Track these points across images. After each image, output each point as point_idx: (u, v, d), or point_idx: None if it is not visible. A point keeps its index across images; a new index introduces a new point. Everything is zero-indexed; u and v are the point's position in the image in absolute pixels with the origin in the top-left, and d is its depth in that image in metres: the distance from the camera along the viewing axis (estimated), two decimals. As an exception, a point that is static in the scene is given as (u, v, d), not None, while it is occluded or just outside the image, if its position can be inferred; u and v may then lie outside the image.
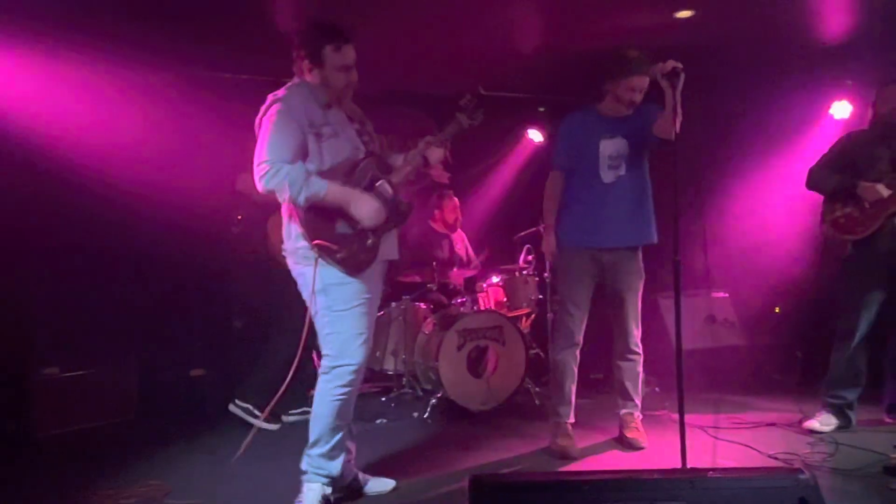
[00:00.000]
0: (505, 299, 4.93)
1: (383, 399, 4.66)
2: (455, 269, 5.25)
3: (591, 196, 3.53)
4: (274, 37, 4.27)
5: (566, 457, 3.42)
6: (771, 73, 5.15)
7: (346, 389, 2.74)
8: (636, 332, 3.63)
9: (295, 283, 2.83)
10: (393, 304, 4.86)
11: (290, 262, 2.82)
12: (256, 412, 3.97)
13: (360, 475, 3.01)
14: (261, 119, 2.72)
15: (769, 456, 3.29)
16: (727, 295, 5.27)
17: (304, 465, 2.80)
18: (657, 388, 4.72)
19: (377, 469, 3.19)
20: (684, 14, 4.43)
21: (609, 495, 1.90)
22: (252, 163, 2.67)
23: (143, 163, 4.57)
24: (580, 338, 3.60)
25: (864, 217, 3.60)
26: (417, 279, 5.01)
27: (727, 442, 3.55)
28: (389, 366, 4.85)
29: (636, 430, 3.59)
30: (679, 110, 3.04)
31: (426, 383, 4.63)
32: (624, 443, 3.60)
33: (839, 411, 3.72)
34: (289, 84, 2.77)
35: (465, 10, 4.30)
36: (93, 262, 4.63)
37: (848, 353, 3.68)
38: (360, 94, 2.91)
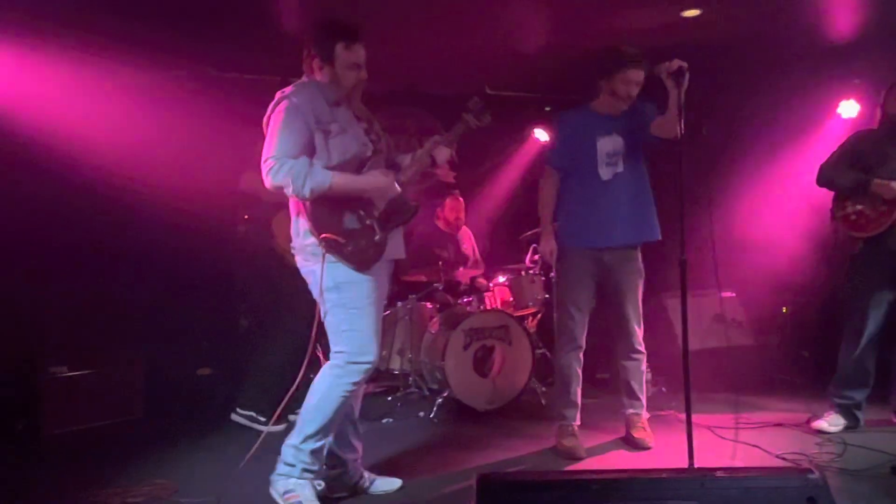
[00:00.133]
0: (511, 299, 4.93)
1: (389, 398, 4.66)
2: (461, 269, 5.25)
3: (589, 194, 3.52)
4: (281, 36, 4.30)
5: (573, 457, 3.42)
6: (778, 71, 5.13)
7: (357, 386, 2.75)
8: (638, 332, 3.62)
9: (300, 284, 2.83)
10: (399, 303, 4.86)
11: (298, 259, 2.82)
12: (260, 417, 3.98)
13: (367, 474, 3.01)
14: (269, 116, 2.72)
15: (777, 456, 3.28)
16: (735, 295, 5.25)
17: (290, 459, 2.72)
18: (664, 388, 4.71)
19: (383, 468, 3.20)
20: (691, 13, 4.42)
21: (618, 494, 1.90)
22: (256, 162, 2.67)
23: (151, 162, 4.58)
24: (583, 340, 3.60)
25: (877, 214, 3.58)
26: (423, 278, 5.01)
27: (734, 442, 3.54)
28: (396, 365, 4.85)
29: (643, 430, 3.59)
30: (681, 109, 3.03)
31: (432, 383, 4.63)
32: (631, 443, 3.59)
33: (847, 412, 3.70)
34: (297, 82, 2.78)
35: (470, 9, 4.30)
36: (101, 262, 4.65)
37: (856, 353, 3.66)
38: (366, 93, 2.92)
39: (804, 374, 4.91)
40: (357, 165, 2.76)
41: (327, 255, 2.66)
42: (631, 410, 3.66)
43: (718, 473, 2.00)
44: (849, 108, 5.10)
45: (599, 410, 4.21)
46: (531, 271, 4.92)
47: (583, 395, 3.65)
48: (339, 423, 2.84)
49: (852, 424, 3.69)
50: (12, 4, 3.77)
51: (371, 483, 3.00)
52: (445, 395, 4.35)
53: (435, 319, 4.80)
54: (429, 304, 5.00)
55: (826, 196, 3.83)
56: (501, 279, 5.05)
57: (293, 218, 2.80)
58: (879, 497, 2.80)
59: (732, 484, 1.94)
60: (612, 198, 3.49)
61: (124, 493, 3.01)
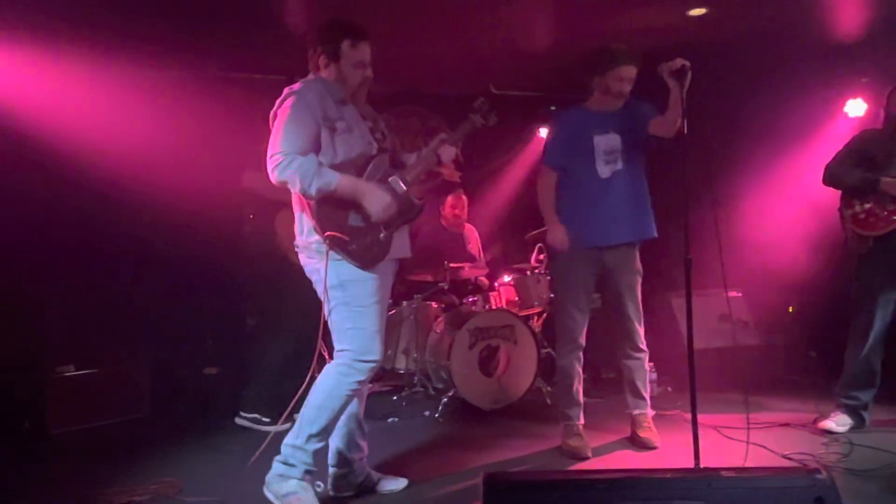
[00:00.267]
0: (516, 298, 4.92)
1: (395, 398, 4.66)
2: (467, 268, 5.24)
3: (588, 192, 3.51)
4: (285, 36, 4.30)
5: (578, 457, 3.41)
6: (784, 70, 5.11)
7: (361, 385, 2.75)
8: (640, 330, 3.62)
9: (303, 282, 2.83)
10: (404, 302, 4.86)
11: (302, 257, 2.82)
12: (264, 419, 3.98)
13: (373, 474, 3.01)
14: (276, 112, 2.72)
15: (783, 456, 3.27)
16: (741, 294, 5.24)
17: (290, 459, 2.69)
18: (670, 388, 4.70)
19: (389, 468, 3.20)
20: (697, 12, 4.41)
21: (623, 494, 1.89)
22: (259, 160, 2.67)
23: (156, 161, 4.58)
24: (582, 340, 3.60)
25: (886, 213, 3.56)
26: (429, 278, 5.00)
27: (740, 442, 3.52)
28: (401, 364, 4.85)
29: (649, 430, 3.58)
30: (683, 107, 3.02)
31: (438, 382, 4.63)
32: (636, 442, 3.58)
33: (854, 412, 3.69)
34: (304, 79, 2.78)
35: (475, 8, 4.29)
36: (107, 261, 4.66)
37: (863, 353, 3.65)
38: (372, 95, 2.92)
39: (811, 374, 4.89)
40: (362, 163, 2.77)
41: (331, 252, 2.67)
42: (637, 410, 3.65)
43: (725, 473, 1.98)
44: (856, 107, 5.07)
45: (605, 410, 4.20)
46: (537, 271, 4.91)
47: (588, 395, 3.64)
48: (345, 423, 2.84)
49: (859, 425, 3.68)
50: (14, 3, 3.78)
51: (377, 482, 3.00)
52: (451, 394, 4.35)
53: (440, 319, 4.80)
54: (434, 304, 5.00)
55: (832, 195, 3.81)
56: (507, 278, 5.04)
57: (297, 214, 2.80)
58: (886, 497, 2.79)
59: (739, 484, 1.93)
60: (613, 195, 3.48)
61: (130, 492, 3.02)
